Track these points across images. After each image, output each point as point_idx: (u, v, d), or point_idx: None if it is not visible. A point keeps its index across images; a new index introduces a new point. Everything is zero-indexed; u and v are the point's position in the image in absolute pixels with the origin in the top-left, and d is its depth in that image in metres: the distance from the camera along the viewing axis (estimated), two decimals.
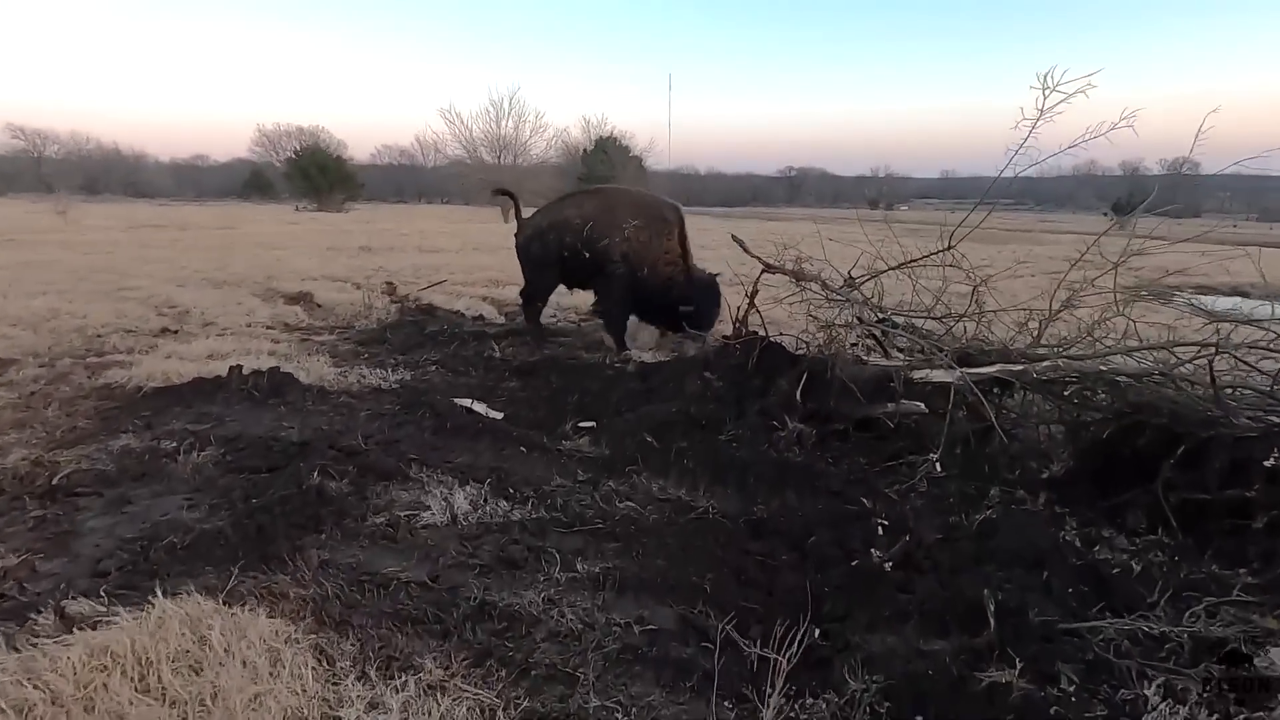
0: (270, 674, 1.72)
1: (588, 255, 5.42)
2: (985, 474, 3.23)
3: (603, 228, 5.32)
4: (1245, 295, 10.24)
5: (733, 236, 5.31)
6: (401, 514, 2.70)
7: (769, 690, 1.74)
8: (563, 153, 43.13)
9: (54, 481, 2.85)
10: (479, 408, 3.89)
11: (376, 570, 2.34)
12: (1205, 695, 1.72)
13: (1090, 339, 3.56)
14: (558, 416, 3.99)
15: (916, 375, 3.43)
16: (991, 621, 2.03)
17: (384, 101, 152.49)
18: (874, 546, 2.58)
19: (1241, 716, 1.66)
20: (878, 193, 67.12)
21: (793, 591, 2.41)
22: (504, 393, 4.44)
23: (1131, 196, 37.67)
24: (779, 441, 3.51)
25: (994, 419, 3.07)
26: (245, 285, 8.37)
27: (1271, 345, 3.12)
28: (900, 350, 4.06)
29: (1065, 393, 3.31)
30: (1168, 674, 1.80)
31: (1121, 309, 3.60)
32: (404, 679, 1.77)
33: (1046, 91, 2.89)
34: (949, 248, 3.77)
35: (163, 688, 1.65)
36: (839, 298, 4.10)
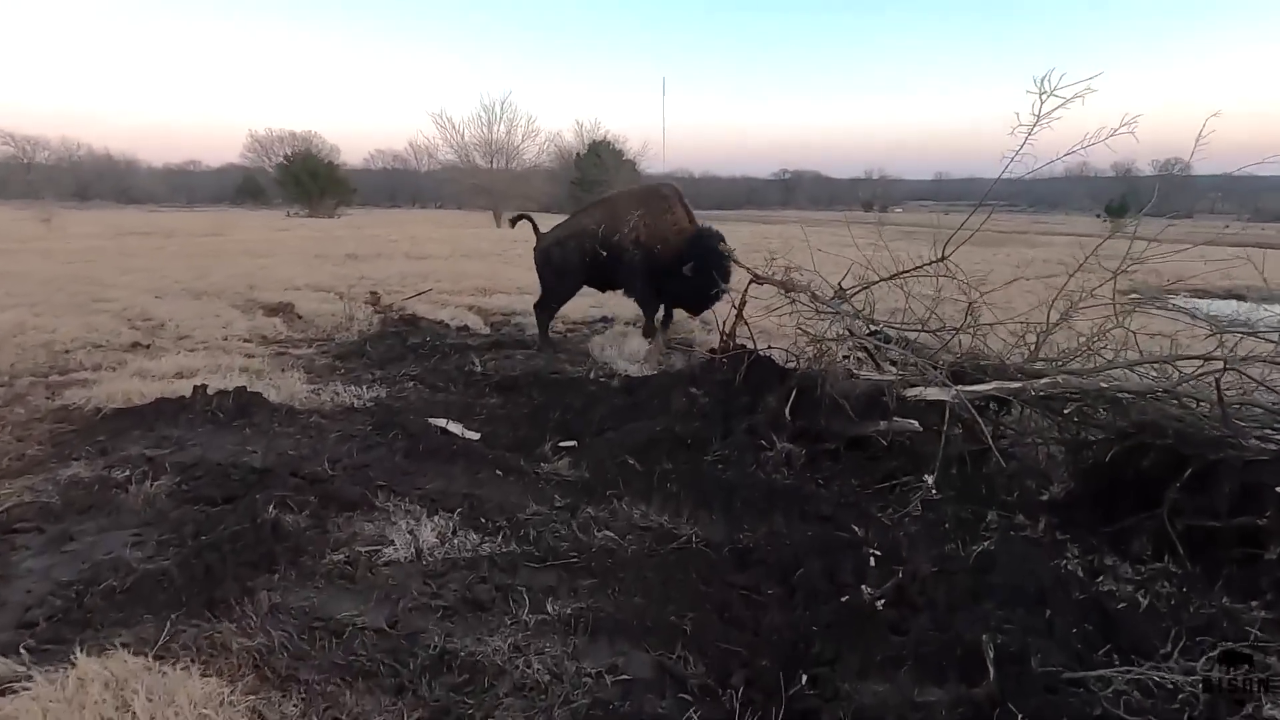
0: None
1: (605, 254, 5.85)
2: (982, 496, 3.07)
3: (613, 226, 5.82)
4: (1241, 298, 10.15)
5: (720, 245, 5.18)
6: (363, 550, 2.53)
7: None
8: (556, 157, 43.06)
9: None
10: (454, 428, 3.73)
11: (331, 615, 2.17)
12: None
13: (1089, 352, 3.42)
14: (538, 435, 3.83)
15: (910, 393, 3.28)
16: (991, 670, 1.88)
17: (378, 106, 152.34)
18: (866, 579, 2.43)
19: None
20: (872, 195, 67.20)
21: (780, 631, 2.25)
22: (483, 410, 4.28)
23: (1124, 198, 37.78)
24: (767, 462, 3.35)
25: (991, 441, 2.93)
26: (225, 296, 8.18)
27: (1277, 358, 2.99)
28: (893, 363, 3.91)
29: (1065, 410, 3.17)
30: None
31: (1121, 320, 3.47)
32: None
33: (1043, 96, 2.75)
34: (943, 258, 3.63)
35: None
36: (829, 310, 3.95)
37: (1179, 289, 11.54)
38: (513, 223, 6.69)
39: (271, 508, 2.63)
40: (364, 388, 4.61)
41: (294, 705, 1.75)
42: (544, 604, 2.28)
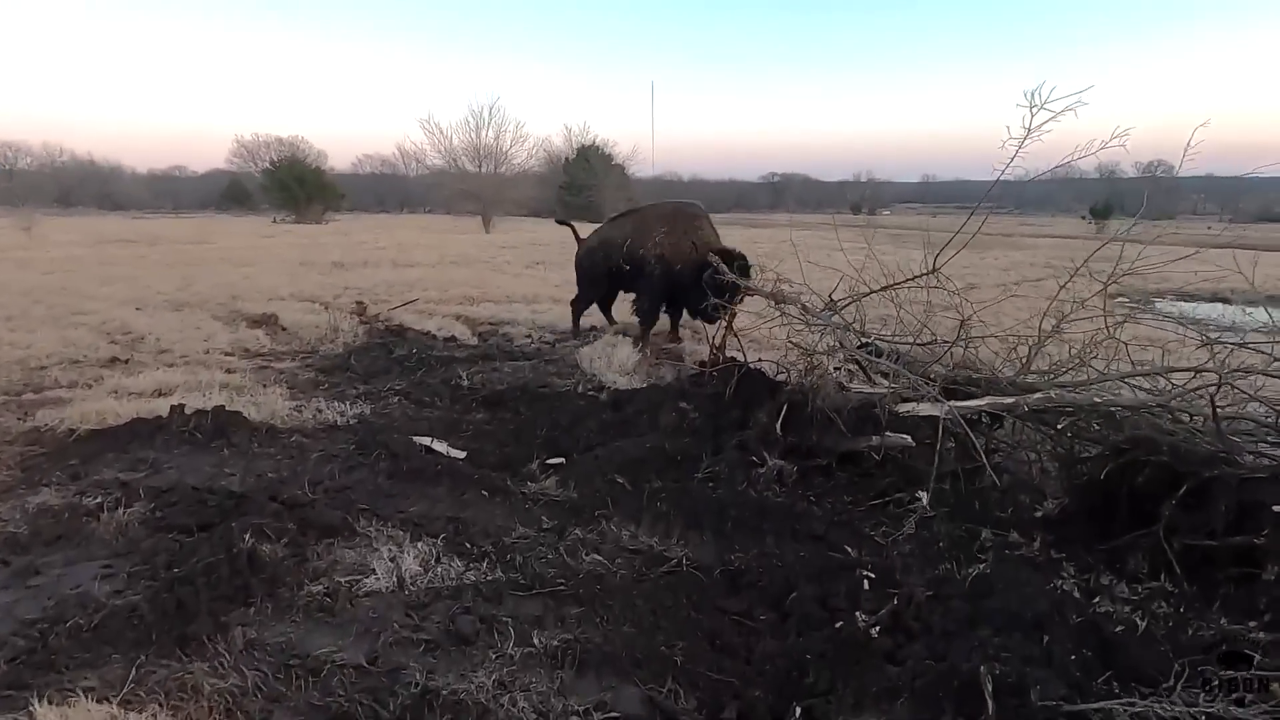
0: None
1: (628, 267, 6.26)
2: (976, 513, 3.03)
3: (638, 241, 6.15)
4: (1227, 301, 10.22)
5: (709, 256, 5.13)
6: (343, 579, 2.45)
7: None
8: (545, 161, 42.97)
9: None
10: (439, 446, 3.65)
11: (308, 651, 2.09)
12: None
13: (1081, 364, 3.40)
14: (525, 453, 3.76)
15: (903, 409, 3.24)
16: (990, 703, 1.83)
17: (366, 111, 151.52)
18: (860, 603, 2.38)
19: None
20: (860, 197, 67.47)
21: (772, 659, 2.20)
22: (469, 426, 4.20)
23: (1109, 199, 38.12)
24: (758, 479, 3.30)
25: (985, 457, 2.88)
26: (207, 307, 8.05)
27: (1270, 370, 2.97)
28: (884, 375, 3.87)
29: (1058, 425, 3.13)
30: None
31: (1112, 330, 3.45)
32: None
33: (1034, 110, 2.72)
34: (933, 270, 3.59)
35: None
36: (819, 322, 3.91)
37: (1166, 292, 11.66)
38: (558, 223, 7.37)
39: (248, 536, 2.54)
40: (348, 404, 4.52)
41: None
42: (530, 635, 2.20)
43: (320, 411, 4.31)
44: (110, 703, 1.74)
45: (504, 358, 6.01)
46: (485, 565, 2.61)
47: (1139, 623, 2.26)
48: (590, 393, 4.78)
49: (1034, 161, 3.29)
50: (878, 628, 2.23)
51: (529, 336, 7.07)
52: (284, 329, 7.03)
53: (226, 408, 3.95)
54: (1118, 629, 2.22)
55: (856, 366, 3.92)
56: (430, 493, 3.19)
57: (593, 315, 7.98)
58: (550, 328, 7.48)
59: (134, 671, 1.92)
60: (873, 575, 2.53)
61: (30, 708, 1.67)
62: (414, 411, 4.48)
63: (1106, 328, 3.43)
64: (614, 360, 5.49)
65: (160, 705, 1.78)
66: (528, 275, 12.39)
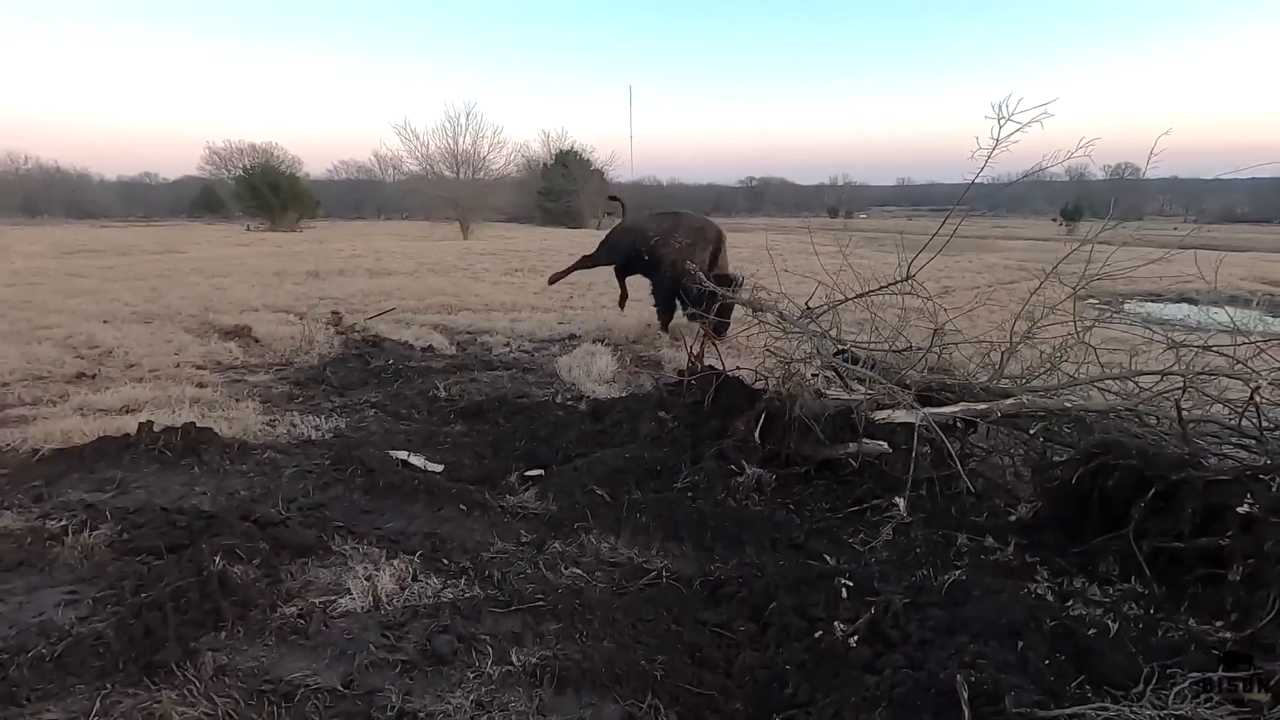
0: None
1: (647, 258, 7.06)
2: (952, 518, 3.07)
3: (663, 241, 6.86)
4: (1193, 302, 10.46)
5: (688, 264, 5.14)
6: (317, 600, 2.41)
7: None
8: (523, 167, 42.85)
9: None
10: (417, 460, 3.61)
11: (281, 676, 2.05)
12: None
13: (1053, 369, 3.46)
14: (503, 465, 3.73)
15: (878, 416, 3.27)
16: (966, 711, 1.85)
17: (343, 117, 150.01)
18: (839, 612, 2.39)
19: None
20: (837, 201, 68.21)
21: (752, 671, 2.21)
22: (447, 439, 4.16)
23: (1079, 201, 38.95)
24: (738, 488, 3.31)
25: (959, 463, 2.92)
26: (178, 319, 7.89)
27: (1233, 372, 3.05)
28: (861, 382, 3.90)
29: (1030, 430, 3.18)
30: None
31: (1082, 335, 3.52)
32: None
33: (1001, 121, 2.77)
34: (908, 277, 3.63)
35: None
36: (796, 329, 3.93)
37: (1135, 294, 11.90)
38: (608, 199, 8.78)
39: (219, 558, 2.48)
40: (323, 417, 4.45)
41: None
42: (508, 653, 2.18)
43: (295, 426, 4.24)
44: None
45: (482, 367, 5.97)
46: (463, 582, 2.58)
47: (1110, 625, 2.30)
48: (569, 402, 4.77)
49: (1006, 165, 3.36)
50: (856, 637, 2.25)
51: (508, 345, 7.03)
52: (257, 341, 6.91)
53: (197, 424, 3.86)
54: (1090, 632, 2.25)
55: (833, 373, 3.95)
56: (407, 508, 3.15)
57: (571, 323, 7.98)
58: (529, 336, 7.45)
59: (98, 703, 1.87)
60: (851, 584, 2.54)
61: None
62: (391, 424, 4.42)
63: (1076, 332, 3.50)
64: (593, 369, 5.48)
65: None
66: (506, 283, 12.33)
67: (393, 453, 3.67)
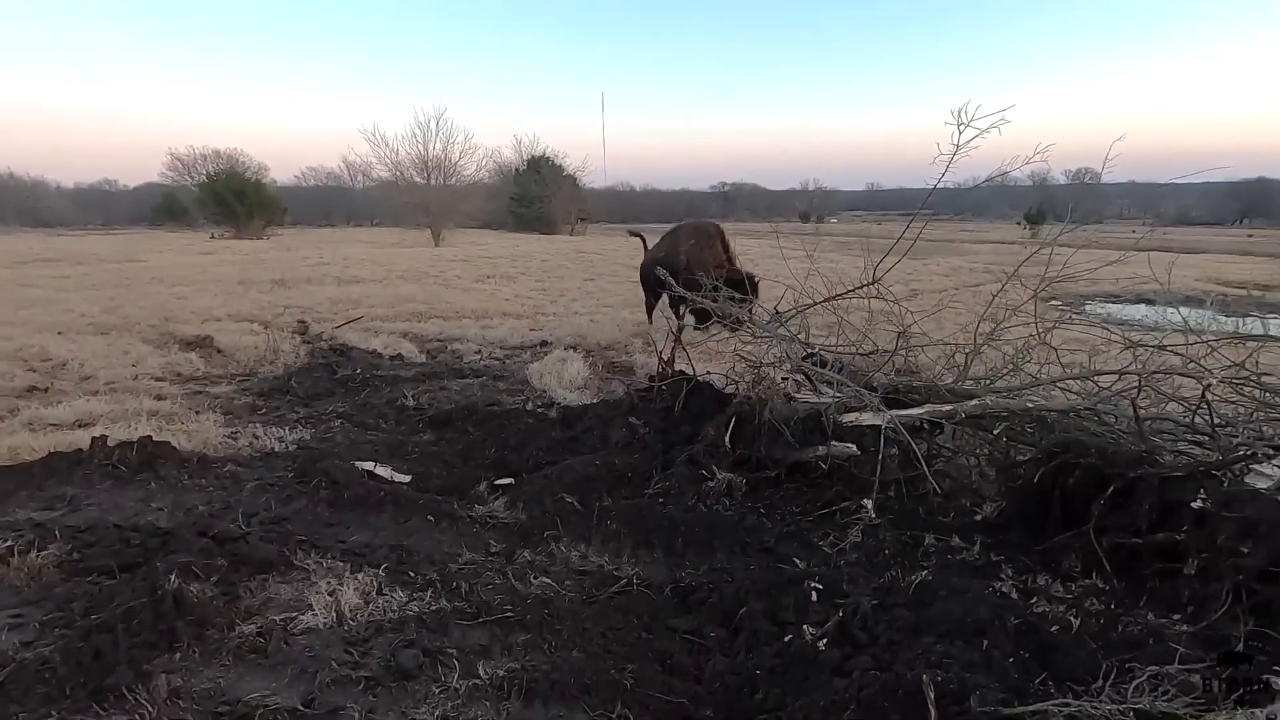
0: None
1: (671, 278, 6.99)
2: (919, 518, 3.10)
3: (672, 253, 6.62)
4: (1151, 302, 10.78)
5: (658, 269, 5.14)
6: (277, 618, 2.34)
7: None
8: (495, 173, 42.61)
9: None
10: (383, 471, 3.55)
11: (239, 697, 1.98)
12: None
13: (1015, 370, 3.52)
14: (473, 475, 3.68)
15: (846, 419, 3.29)
16: (933, 710, 1.86)
17: (310, 123, 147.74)
18: (808, 616, 2.40)
19: None
20: (808, 205, 68.97)
21: (723, 677, 2.20)
22: (415, 448, 4.09)
23: (1042, 205, 39.94)
24: (709, 494, 3.30)
25: (925, 465, 2.95)
26: (137, 330, 7.67)
27: (1187, 370, 3.13)
28: (829, 385, 3.94)
29: (994, 430, 3.23)
30: None
31: (1043, 336, 3.59)
32: None
33: (961, 128, 2.82)
34: (874, 281, 3.68)
35: None
36: (766, 333, 3.95)
37: (1096, 295, 12.22)
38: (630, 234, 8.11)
39: (174, 576, 2.40)
40: (287, 429, 4.35)
41: None
42: (476, 666, 2.14)
43: (257, 438, 4.14)
44: None
45: (452, 376, 5.90)
46: (429, 595, 2.53)
47: (1073, 621, 2.34)
48: (540, 410, 4.73)
49: (971, 170, 3.44)
50: (825, 640, 2.25)
51: (479, 353, 6.97)
52: (220, 351, 6.75)
53: (154, 437, 3.75)
54: (1053, 629, 2.29)
55: (803, 377, 3.97)
56: (373, 521, 3.09)
57: (544, 329, 7.93)
58: (501, 343, 7.39)
59: None
60: (820, 587, 2.55)
61: None
62: (357, 434, 4.34)
63: (1039, 333, 3.57)
64: (564, 376, 5.45)
65: None
66: (478, 290, 12.22)
67: (359, 464, 3.60)
